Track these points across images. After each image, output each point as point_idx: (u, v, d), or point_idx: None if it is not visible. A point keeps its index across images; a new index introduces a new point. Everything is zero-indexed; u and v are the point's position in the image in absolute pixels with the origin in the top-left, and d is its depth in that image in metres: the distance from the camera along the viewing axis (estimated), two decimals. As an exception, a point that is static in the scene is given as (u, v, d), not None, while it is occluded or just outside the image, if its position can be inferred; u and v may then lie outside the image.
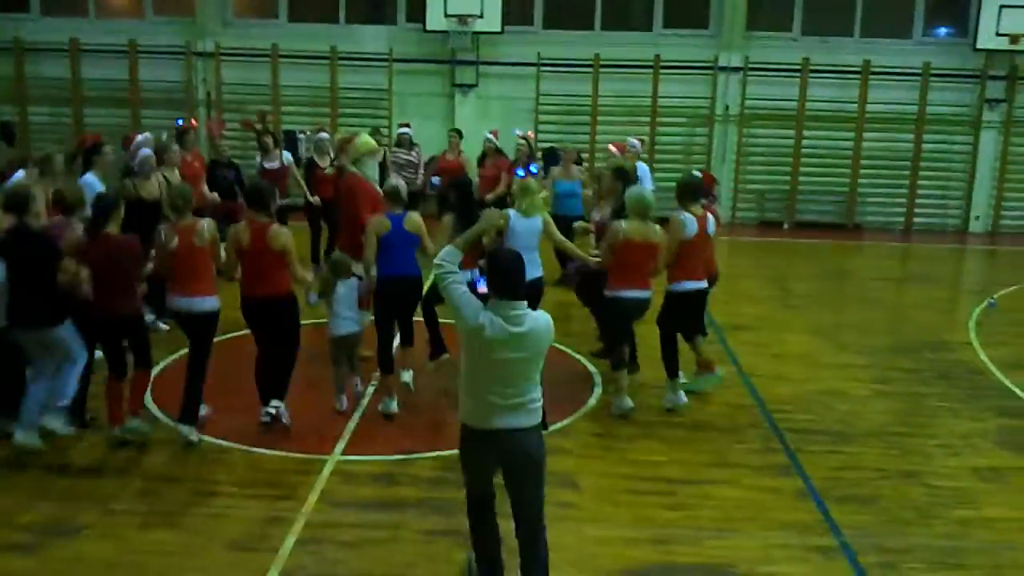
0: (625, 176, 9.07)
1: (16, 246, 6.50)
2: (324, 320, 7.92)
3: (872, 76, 17.41)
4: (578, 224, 9.62)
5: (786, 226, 17.96)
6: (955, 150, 17.97)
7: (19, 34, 17.89)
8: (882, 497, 6.55)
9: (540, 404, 4.85)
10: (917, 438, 7.66)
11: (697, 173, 9.08)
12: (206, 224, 6.94)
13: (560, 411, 7.82)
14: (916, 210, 18.07)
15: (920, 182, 17.94)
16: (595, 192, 10.33)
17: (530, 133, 13.89)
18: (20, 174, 8.57)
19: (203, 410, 7.21)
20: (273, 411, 7.13)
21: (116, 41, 17.71)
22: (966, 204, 18.08)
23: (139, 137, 10.07)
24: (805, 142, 17.82)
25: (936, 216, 18.22)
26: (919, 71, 17.41)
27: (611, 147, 11.99)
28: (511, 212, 7.95)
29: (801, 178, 17.99)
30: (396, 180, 8.06)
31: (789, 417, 7.96)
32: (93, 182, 9.01)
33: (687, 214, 7.86)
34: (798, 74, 17.50)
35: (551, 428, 7.36)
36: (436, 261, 4.94)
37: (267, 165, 11.91)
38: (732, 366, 9.29)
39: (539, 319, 4.78)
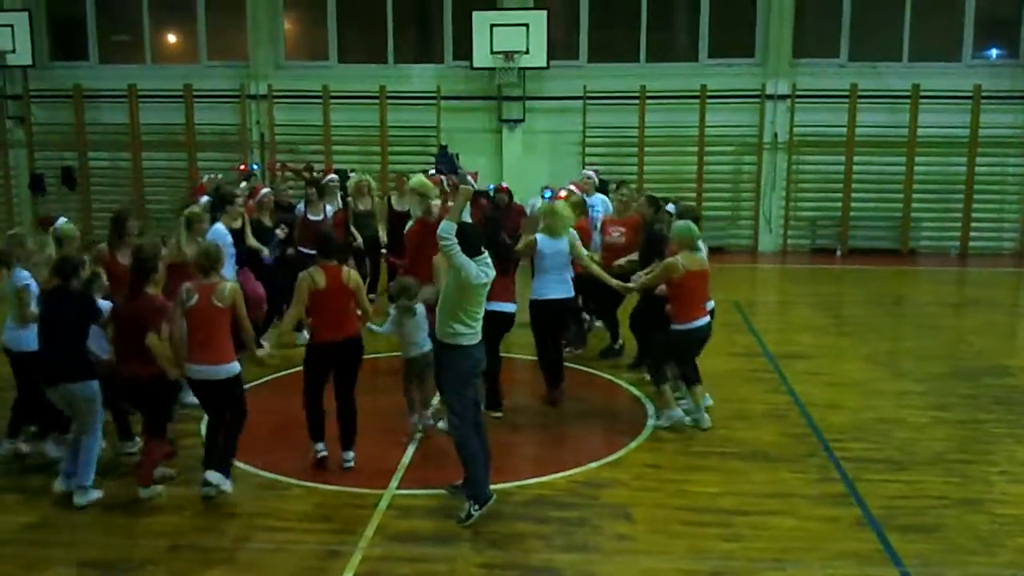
0: (656, 203, 9.73)
1: (55, 306, 6.68)
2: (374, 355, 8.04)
3: (922, 100, 17.29)
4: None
5: (839, 253, 17.81)
6: (1009, 172, 17.74)
7: (78, 81, 18.44)
8: (943, 526, 6.44)
9: None
10: (978, 465, 7.52)
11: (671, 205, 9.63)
12: (228, 286, 6.78)
13: (613, 442, 7.82)
14: (971, 234, 17.83)
15: (975, 205, 17.72)
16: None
17: (504, 185, 13.15)
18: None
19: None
20: (351, 463, 7.24)
21: (172, 86, 18.22)
22: (1022, 227, 17.80)
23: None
24: (856, 168, 17.70)
25: (992, 240, 17.95)
26: (970, 94, 17.24)
27: (572, 187, 11.63)
28: (539, 236, 8.66)
29: (853, 204, 17.85)
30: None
31: (846, 446, 7.87)
32: (222, 232, 9.17)
33: None
34: (847, 100, 17.43)
35: (603, 460, 7.42)
36: (440, 234, 6.26)
37: (311, 217, 11.29)
38: (788, 395, 9.22)
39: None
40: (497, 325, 8.05)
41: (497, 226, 8.35)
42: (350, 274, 7.24)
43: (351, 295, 7.21)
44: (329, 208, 11.63)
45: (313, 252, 10.87)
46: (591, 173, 12.29)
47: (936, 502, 6.81)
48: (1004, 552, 6.09)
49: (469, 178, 7.05)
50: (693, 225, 8.22)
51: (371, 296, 12.71)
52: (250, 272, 9.89)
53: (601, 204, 11.60)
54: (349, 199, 12.27)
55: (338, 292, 7.13)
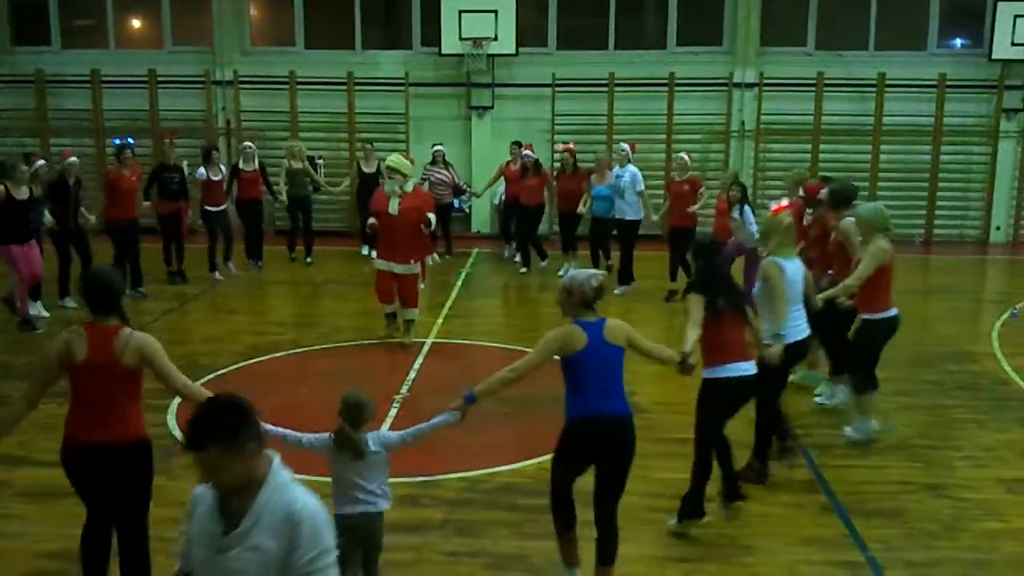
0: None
1: None
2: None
3: (888, 89, 17.40)
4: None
5: (805, 240, 17.90)
6: (974, 161, 17.90)
7: (40, 67, 18.15)
8: (907, 511, 6.52)
9: None
10: (942, 450, 7.62)
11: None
12: None
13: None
14: (936, 221, 18.01)
15: (939, 193, 17.89)
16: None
17: (571, 145, 15.02)
18: None
19: None
20: None
21: (136, 72, 17.93)
22: (986, 215, 18.00)
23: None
24: (822, 156, 17.78)
25: (956, 227, 18.16)
26: (935, 83, 17.37)
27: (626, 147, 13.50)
28: (778, 260, 6.67)
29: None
30: (580, 272, 5.33)
31: (812, 432, 7.94)
32: None
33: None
34: (813, 88, 17.51)
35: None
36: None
37: (212, 177, 13.58)
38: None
39: None
40: (741, 396, 6.17)
41: (722, 263, 6.69)
42: (130, 342, 4.64)
43: (129, 377, 4.68)
44: (224, 168, 13.86)
45: (215, 209, 13.38)
46: (625, 146, 13.46)
47: (900, 487, 6.91)
48: (966, 536, 6.18)
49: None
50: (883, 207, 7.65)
51: (308, 260, 14.76)
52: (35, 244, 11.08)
53: (630, 176, 13.04)
54: (284, 160, 14.75)
55: (103, 369, 4.60)
